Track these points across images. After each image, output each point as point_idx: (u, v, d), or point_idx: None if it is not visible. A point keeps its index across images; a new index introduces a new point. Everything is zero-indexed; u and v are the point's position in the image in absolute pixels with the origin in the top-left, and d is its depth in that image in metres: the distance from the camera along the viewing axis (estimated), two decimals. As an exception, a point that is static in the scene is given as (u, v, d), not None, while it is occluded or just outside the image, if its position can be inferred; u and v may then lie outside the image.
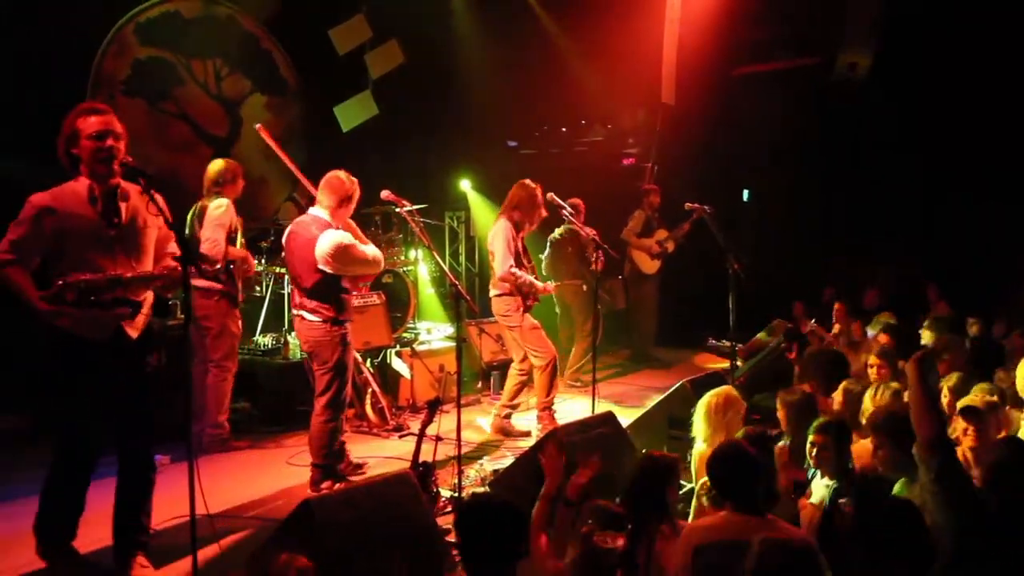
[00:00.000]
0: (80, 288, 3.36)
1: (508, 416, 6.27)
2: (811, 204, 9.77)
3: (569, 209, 5.98)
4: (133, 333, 3.59)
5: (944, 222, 8.58)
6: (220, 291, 5.67)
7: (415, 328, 7.94)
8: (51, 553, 3.68)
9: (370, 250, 4.92)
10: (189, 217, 5.84)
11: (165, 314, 6.28)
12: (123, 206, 3.58)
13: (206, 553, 3.55)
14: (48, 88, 6.42)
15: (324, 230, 4.79)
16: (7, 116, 6.29)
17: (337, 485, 4.88)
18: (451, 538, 4.16)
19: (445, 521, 4.35)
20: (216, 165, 5.84)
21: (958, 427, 3.67)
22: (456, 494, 4.61)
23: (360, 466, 5.32)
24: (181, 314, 6.16)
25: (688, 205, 7.12)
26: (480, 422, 6.66)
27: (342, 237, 4.79)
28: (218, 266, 5.54)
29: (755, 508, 2.90)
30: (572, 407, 6.92)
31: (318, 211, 4.93)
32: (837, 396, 4.51)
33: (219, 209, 5.60)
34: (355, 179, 4.98)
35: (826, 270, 9.33)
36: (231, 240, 5.67)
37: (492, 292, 6.19)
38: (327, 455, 4.92)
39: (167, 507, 4.17)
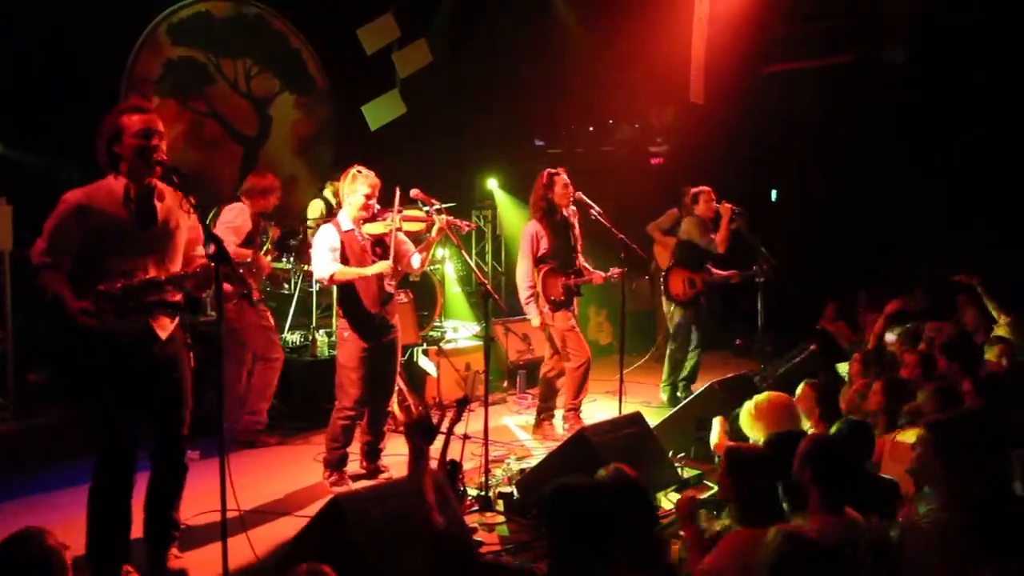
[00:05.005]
0: (117, 296, 3.34)
1: (549, 418, 6.26)
2: (841, 204, 9.66)
3: (597, 209, 5.95)
4: (162, 334, 3.59)
5: (981, 224, 8.43)
6: (237, 292, 5.72)
7: (442, 326, 7.96)
8: None
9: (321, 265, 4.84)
10: (208, 219, 5.90)
11: (196, 311, 6.34)
12: (158, 206, 3.56)
13: (235, 548, 3.57)
14: (82, 88, 6.52)
15: None
16: (42, 115, 6.39)
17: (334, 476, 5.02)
18: (478, 536, 4.18)
19: (472, 520, 4.36)
20: (252, 176, 5.96)
21: None
22: (483, 493, 4.62)
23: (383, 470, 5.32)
24: (212, 311, 6.21)
25: (716, 205, 7.07)
26: (506, 421, 6.66)
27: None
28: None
29: (840, 507, 2.84)
30: (599, 408, 6.90)
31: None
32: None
33: (231, 212, 5.71)
34: (358, 169, 4.93)
35: (856, 271, 9.21)
36: (249, 244, 5.73)
37: None
38: (329, 448, 5.02)
39: (197, 502, 4.21)
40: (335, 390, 5.00)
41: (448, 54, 9.40)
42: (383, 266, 4.80)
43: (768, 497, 2.94)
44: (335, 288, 5.12)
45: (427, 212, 5.22)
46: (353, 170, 4.92)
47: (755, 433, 4.17)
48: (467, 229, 5.26)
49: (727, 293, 7.51)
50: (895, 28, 8.77)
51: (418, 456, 3.02)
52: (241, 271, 5.66)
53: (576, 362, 5.99)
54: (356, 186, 4.84)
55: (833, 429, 3.66)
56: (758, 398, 4.30)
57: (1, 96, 6.28)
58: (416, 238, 5.24)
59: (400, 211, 4.92)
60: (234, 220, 5.66)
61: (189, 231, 3.71)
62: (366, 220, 4.88)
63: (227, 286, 5.56)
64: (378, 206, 4.94)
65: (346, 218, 4.89)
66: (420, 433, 3.04)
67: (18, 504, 4.69)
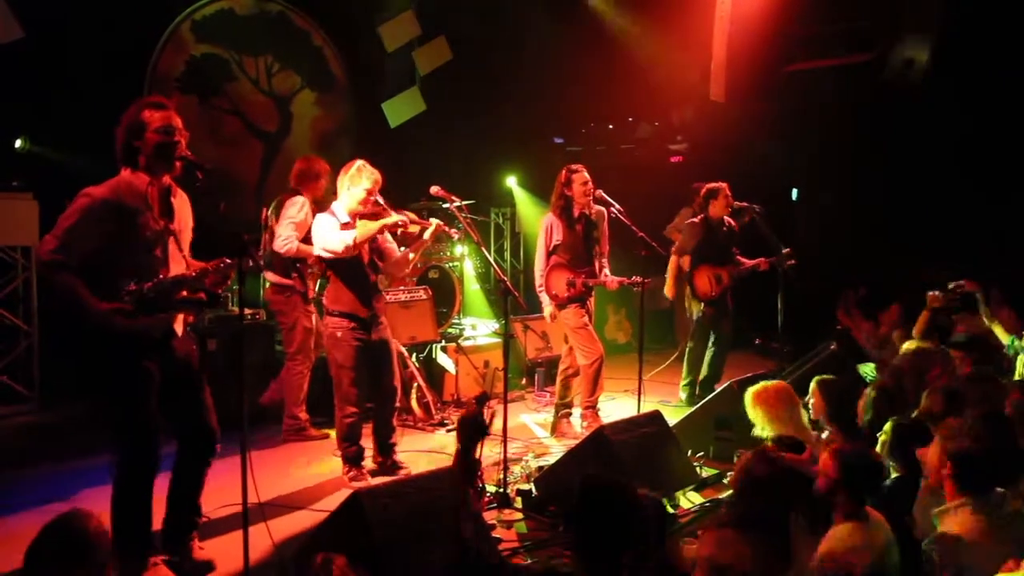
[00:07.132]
0: (149, 294, 3.33)
1: (566, 416, 6.26)
2: (862, 203, 9.58)
3: (618, 207, 5.93)
4: (179, 329, 3.62)
5: (1007, 224, 8.33)
6: (291, 287, 5.76)
7: (460, 324, 7.98)
8: (136, 569, 3.56)
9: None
10: (269, 210, 5.94)
11: (214, 304, 6.39)
12: (174, 203, 3.58)
13: (256, 541, 3.60)
14: (106, 86, 6.58)
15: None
16: (67, 112, 6.46)
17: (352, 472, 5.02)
18: (496, 533, 4.19)
19: (491, 516, 4.38)
20: (299, 162, 5.97)
21: None
22: (501, 490, 4.63)
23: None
24: (233, 306, 6.26)
25: (736, 204, 7.03)
26: (525, 418, 6.67)
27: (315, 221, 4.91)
28: (265, 256, 5.66)
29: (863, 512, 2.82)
30: (618, 406, 6.89)
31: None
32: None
33: (294, 207, 5.68)
34: (363, 163, 4.86)
35: (876, 271, 9.14)
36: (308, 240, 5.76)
37: None
38: (343, 448, 5.03)
39: (217, 495, 4.25)
40: (335, 391, 4.98)
41: (468, 51, 9.41)
42: (397, 218, 4.78)
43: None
44: (326, 284, 5.11)
45: (447, 208, 5.24)
46: (358, 163, 4.85)
47: (755, 417, 4.31)
48: (455, 236, 5.29)
49: (747, 290, 7.46)
50: (918, 25, 8.65)
51: (466, 453, 2.95)
52: (299, 266, 5.74)
53: (588, 359, 5.97)
54: (360, 178, 4.78)
55: (887, 429, 3.62)
56: (756, 387, 4.39)
57: (27, 93, 6.35)
58: (411, 240, 5.20)
59: (393, 211, 4.90)
60: (295, 215, 5.63)
61: (190, 231, 3.72)
62: (362, 215, 4.83)
63: (285, 279, 5.69)
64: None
65: (342, 210, 4.83)
66: (471, 430, 2.98)
67: (44, 496, 4.75)
